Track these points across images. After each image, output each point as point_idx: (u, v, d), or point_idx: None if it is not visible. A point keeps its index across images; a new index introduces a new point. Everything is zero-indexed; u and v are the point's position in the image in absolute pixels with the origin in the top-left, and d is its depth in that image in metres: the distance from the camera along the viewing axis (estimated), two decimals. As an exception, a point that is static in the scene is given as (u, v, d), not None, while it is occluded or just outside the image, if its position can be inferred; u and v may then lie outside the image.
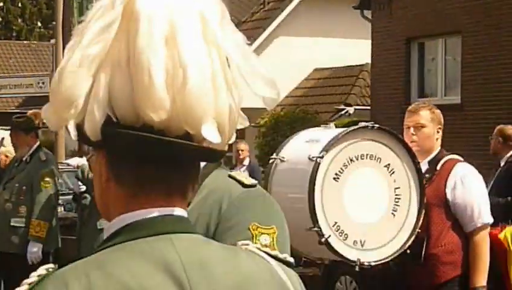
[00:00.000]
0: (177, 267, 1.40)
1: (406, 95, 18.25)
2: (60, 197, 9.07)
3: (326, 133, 5.24)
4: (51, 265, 1.44)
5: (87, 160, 7.74)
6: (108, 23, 1.43)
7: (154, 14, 1.42)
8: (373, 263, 5.13)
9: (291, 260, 1.56)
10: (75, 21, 17.93)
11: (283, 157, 5.28)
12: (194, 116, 1.41)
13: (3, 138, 9.04)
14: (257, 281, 1.46)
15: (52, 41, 29.49)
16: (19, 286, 1.42)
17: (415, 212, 5.18)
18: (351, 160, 5.08)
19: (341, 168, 5.06)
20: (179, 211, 1.47)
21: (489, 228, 5.36)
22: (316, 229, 5.00)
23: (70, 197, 10.80)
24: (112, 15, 1.43)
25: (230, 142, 1.53)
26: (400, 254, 5.16)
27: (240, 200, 2.39)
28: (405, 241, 5.17)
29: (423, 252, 5.20)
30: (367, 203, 5.14)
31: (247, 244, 1.53)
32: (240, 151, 14.60)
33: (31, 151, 8.26)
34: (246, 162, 14.55)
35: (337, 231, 5.06)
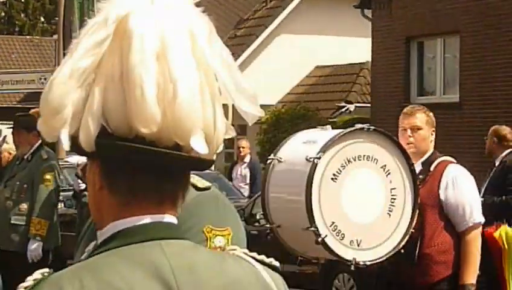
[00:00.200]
0: (166, 271, 1.49)
1: (406, 93, 18.35)
2: (61, 193, 9.11)
3: (323, 134, 5.34)
4: (46, 269, 1.53)
5: (80, 170, 7.72)
6: (101, 39, 1.52)
7: (146, 31, 1.51)
8: (368, 263, 5.23)
9: (277, 264, 1.64)
10: (75, 20, 17.96)
11: (280, 158, 5.37)
12: (183, 128, 1.50)
13: (5, 136, 9.09)
14: (243, 285, 1.55)
15: (55, 36, 29.56)
16: (19, 284, 1.50)
17: (409, 213, 5.28)
18: (348, 161, 5.18)
19: (338, 169, 5.16)
20: (169, 218, 1.55)
21: (480, 228, 5.46)
22: (312, 229, 5.09)
23: (71, 193, 10.85)
24: (105, 32, 1.52)
25: (218, 151, 1.62)
26: (394, 254, 5.26)
27: (193, 203, 2.42)
28: (399, 241, 5.27)
29: (417, 252, 5.31)
30: (364, 203, 5.24)
31: (235, 249, 1.62)
32: (241, 149, 14.68)
33: (32, 150, 8.26)
34: (247, 159, 14.64)
35: (334, 230, 5.15)
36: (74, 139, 1.53)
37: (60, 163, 8.95)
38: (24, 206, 8.18)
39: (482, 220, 5.48)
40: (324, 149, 5.13)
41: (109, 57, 1.51)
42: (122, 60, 1.50)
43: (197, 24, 1.56)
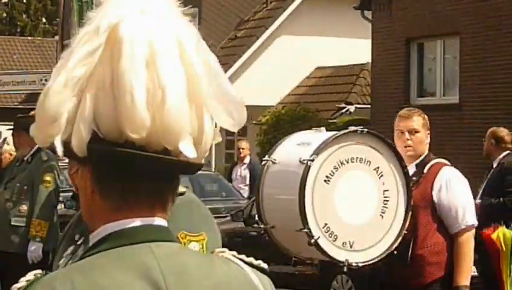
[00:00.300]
0: (156, 273, 1.53)
1: (406, 95, 18.38)
2: (60, 194, 9.14)
3: (317, 136, 5.38)
4: (39, 271, 1.58)
5: (70, 175, 7.75)
6: (94, 48, 1.57)
7: (136, 39, 1.56)
8: (361, 264, 5.27)
9: (265, 266, 1.69)
10: (75, 22, 17.99)
11: (275, 160, 5.42)
12: (172, 133, 1.55)
13: (5, 138, 9.12)
14: (232, 287, 1.59)
15: (57, 37, 29.57)
16: None
17: (402, 214, 5.32)
18: (341, 163, 5.22)
19: (331, 171, 5.20)
20: (159, 221, 1.60)
21: (473, 230, 5.50)
22: (306, 230, 5.13)
23: (70, 194, 10.85)
24: (97, 41, 1.58)
25: (205, 155, 1.66)
26: (387, 255, 5.30)
27: None
28: (392, 242, 5.31)
29: (410, 253, 5.35)
30: (357, 205, 5.28)
31: (223, 252, 1.67)
32: (241, 150, 14.72)
33: (32, 151, 8.27)
34: (247, 160, 14.68)
35: (326, 232, 5.19)
36: (66, 144, 1.57)
37: (60, 164, 8.97)
38: (24, 207, 8.19)
39: (475, 222, 5.52)
40: (317, 151, 5.18)
41: (101, 65, 1.56)
42: (112, 67, 1.55)
43: (185, 33, 1.61)
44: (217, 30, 26.92)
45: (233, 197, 14.23)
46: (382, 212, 5.30)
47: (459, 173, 5.57)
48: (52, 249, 8.28)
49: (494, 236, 8.48)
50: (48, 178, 8.23)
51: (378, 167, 5.28)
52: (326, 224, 5.18)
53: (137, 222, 1.58)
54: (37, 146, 8.29)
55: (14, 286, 1.55)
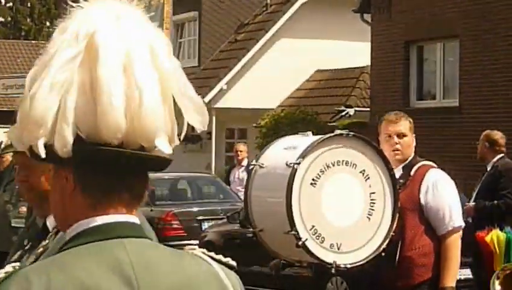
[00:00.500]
0: (127, 267, 1.63)
1: (405, 98, 18.41)
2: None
3: (303, 140, 5.44)
4: (17, 263, 1.67)
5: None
6: (74, 55, 1.67)
7: (113, 46, 1.67)
8: (349, 266, 5.31)
9: (233, 263, 1.77)
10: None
11: (262, 164, 5.48)
12: (149, 132, 1.67)
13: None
14: (199, 282, 1.68)
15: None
16: None
17: (390, 216, 5.36)
18: (328, 166, 5.27)
19: (318, 174, 5.25)
20: (131, 218, 1.71)
21: (461, 232, 5.55)
22: (293, 232, 5.18)
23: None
24: (77, 48, 1.67)
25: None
26: (375, 257, 5.35)
27: None
28: (380, 244, 5.35)
29: (397, 255, 5.40)
30: (343, 207, 5.33)
31: (194, 249, 1.75)
32: (239, 152, 14.80)
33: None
34: (245, 162, 14.73)
35: (314, 234, 5.24)
36: (48, 146, 1.66)
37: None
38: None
39: (462, 224, 5.57)
40: (304, 155, 5.23)
41: (81, 71, 1.66)
42: (91, 73, 1.65)
43: (156, 39, 1.72)
44: (216, 33, 26.99)
45: (231, 200, 14.30)
46: (369, 215, 5.35)
47: (446, 175, 5.63)
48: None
49: (488, 238, 8.53)
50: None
51: (364, 170, 5.33)
52: (313, 226, 5.23)
53: (111, 219, 1.68)
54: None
55: None
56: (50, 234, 2.96)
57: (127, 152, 1.66)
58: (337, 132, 5.41)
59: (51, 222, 2.99)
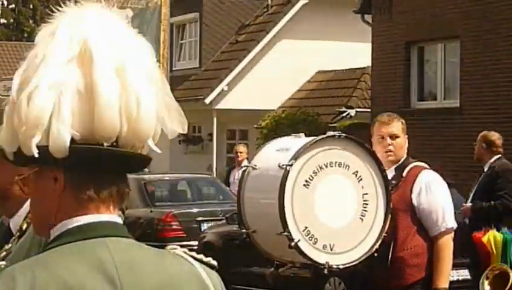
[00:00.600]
0: (109, 266, 1.66)
1: (406, 99, 18.41)
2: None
3: (296, 141, 5.47)
4: (3, 262, 1.75)
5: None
6: (70, 57, 1.71)
7: (105, 52, 1.72)
8: (341, 266, 5.34)
9: (215, 263, 1.80)
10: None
11: (255, 165, 5.51)
12: (144, 133, 1.74)
13: None
14: (181, 281, 1.72)
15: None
16: None
17: (382, 217, 5.39)
18: (320, 167, 5.29)
19: (311, 175, 5.28)
20: (114, 218, 1.74)
21: (453, 233, 5.57)
22: (286, 233, 5.21)
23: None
24: (72, 51, 1.72)
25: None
26: (367, 257, 5.37)
27: None
28: (372, 245, 5.37)
29: (390, 256, 5.43)
30: (336, 208, 5.35)
31: (175, 248, 1.79)
32: (239, 153, 14.86)
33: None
34: (245, 164, 14.73)
35: (307, 235, 5.26)
36: (41, 147, 1.69)
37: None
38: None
39: (455, 225, 5.59)
40: (296, 156, 5.25)
41: (76, 73, 1.70)
42: (86, 77, 1.70)
43: (143, 46, 1.78)
44: (217, 34, 26.99)
45: (230, 201, 14.29)
46: (362, 216, 5.37)
47: (439, 176, 5.65)
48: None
49: (485, 239, 8.55)
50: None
51: (357, 171, 5.36)
52: (306, 227, 5.26)
53: (95, 218, 1.71)
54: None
55: None
56: (13, 237, 2.94)
57: (120, 152, 1.70)
58: (330, 133, 5.44)
59: (14, 225, 2.97)
